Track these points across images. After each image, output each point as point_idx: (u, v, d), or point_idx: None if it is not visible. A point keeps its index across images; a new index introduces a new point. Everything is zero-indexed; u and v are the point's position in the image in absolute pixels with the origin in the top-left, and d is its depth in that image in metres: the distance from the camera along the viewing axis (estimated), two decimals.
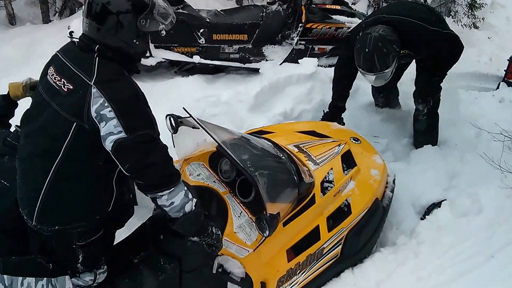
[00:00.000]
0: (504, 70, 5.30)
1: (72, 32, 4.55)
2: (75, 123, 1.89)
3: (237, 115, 4.09)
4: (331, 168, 2.85)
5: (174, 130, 2.51)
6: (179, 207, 1.97)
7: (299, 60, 4.76)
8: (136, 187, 2.08)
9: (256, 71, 4.99)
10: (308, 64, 4.61)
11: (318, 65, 4.64)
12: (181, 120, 2.50)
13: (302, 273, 2.52)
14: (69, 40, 4.45)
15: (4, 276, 2.06)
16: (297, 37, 4.96)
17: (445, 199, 3.45)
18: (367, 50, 3.35)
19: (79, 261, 2.17)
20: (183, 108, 2.22)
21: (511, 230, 3.03)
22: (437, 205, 3.43)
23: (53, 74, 1.99)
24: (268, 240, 2.21)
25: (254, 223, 2.27)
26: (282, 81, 4.47)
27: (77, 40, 2.05)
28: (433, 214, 3.34)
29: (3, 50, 5.15)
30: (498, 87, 5.30)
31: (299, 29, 4.96)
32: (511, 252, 2.86)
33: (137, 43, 2.02)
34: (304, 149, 2.98)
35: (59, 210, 2.02)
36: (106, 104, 1.84)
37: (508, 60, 5.21)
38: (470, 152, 3.93)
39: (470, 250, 2.94)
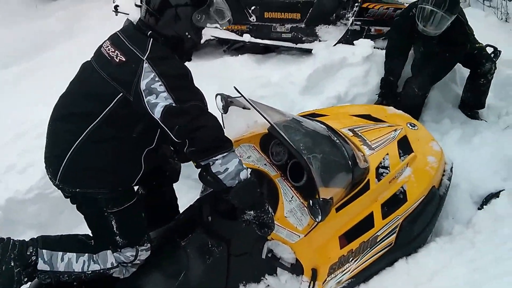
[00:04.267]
0: None
1: (117, 6, 4.59)
2: (121, 93, 1.96)
3: (288, 97, 3.99)
4: (387, 154, 2.75)
5: (224, 110, 2.47)
6: (234, 174, 1.92)
7: (354, 42, 4.54)
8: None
9: (308, 52, 4.84)
10: (363, 45, 4.39)
11: (374, 47, 4.41)
12: (231, 100, 2.45)
13: (355, 261, 2.46)
14: (113, 14, 4.50)
15: (43, 250, 2.12)
16: (353, 17, 4.77)
17: (504, 189, 3.30)
18: None
19: (114, 229, 2.17)
20: (234, 87, 2.17)
21: None
22: (495, 195, 3.29)
23: (107, 46, 2.09)
24: (320, 225, 2.14)
25: (305, 208, 2.22)
26: (336, 63, 4.31)
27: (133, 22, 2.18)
28: (491, 204, 3.20)
29: (46, 23, 5.21)
30: None
31: (355, 8, 4.77)
32: None
33: (189, 36, 2.13)
34: (359, 133, 2.89)
35: (84, 172, 2.07)
36: (157, 79, 1.91)
37: None
38: None
39: None
